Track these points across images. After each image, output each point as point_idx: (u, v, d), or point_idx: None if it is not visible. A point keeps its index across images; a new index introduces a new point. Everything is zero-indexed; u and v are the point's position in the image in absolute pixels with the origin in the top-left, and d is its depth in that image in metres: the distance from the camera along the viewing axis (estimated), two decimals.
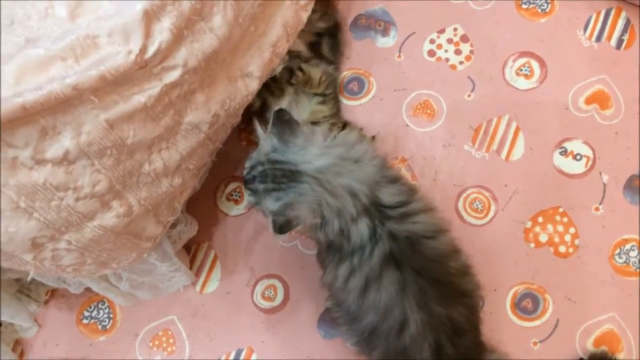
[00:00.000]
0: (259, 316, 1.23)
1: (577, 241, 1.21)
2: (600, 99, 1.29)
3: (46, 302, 1.28)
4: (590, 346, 1.15)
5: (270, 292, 1.24)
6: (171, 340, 1.24)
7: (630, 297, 1.17)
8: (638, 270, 1.19)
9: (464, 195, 1.26)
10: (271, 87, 1.21)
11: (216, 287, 1.26)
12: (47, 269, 0.89)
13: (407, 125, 1.31)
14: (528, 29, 1.35)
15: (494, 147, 1.28)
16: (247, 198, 0.97)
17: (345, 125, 1.28)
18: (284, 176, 0.89)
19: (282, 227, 0.87)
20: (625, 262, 1.19)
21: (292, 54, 1.19)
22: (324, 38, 1.31)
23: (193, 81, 0.91)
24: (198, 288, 1.26)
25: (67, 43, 0.78)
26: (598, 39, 1.33)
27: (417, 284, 0.91)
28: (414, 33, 1.38)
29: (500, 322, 1.17)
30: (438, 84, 1.33)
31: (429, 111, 1.32)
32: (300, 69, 1.22)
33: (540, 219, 1.23)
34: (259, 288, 1.25)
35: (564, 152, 1.26)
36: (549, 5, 1.36)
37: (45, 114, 0.76)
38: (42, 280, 1.08)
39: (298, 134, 0.92)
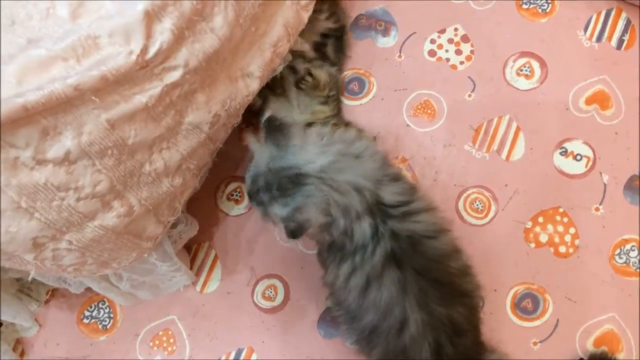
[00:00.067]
0: (260, 316, 1.23)
1: (577, 241, 1.21)
2: (600, 99, 1.29)
3: (47, 301, 1.28)
4: (590, 346, 1.15)
5: (271, 292, 1.24)
6: (171, 340, 1.24)
7: (630, 298, 1.17)
8: (638, 270, 1.19)
9: (465, 195, 1.26)
10: (273, 86, 1.21)
11: (216, 286, 1.26)
12: (48, 268, 0.89)
13: (407, 125, 1.32)
14: (528, 29, 1.35)
15: (495, 147, 1.28)
16: (254, 207, 0.96)
17: (346, 125, 1.27)
18: (289, 182, 0.88)
19: (294, 232, 0.87)
20: (625, 262, 1.19)
21: (295, 53, 1.19)
22: (330, 39, 1.30)
23: (194, 81, 0.91)
24: (198, 288, 1.26)
25: (68, 43, 0.78)
26: (598, 39, 1.33)
27: (418, 283, 0.91)
28: (414, 33, 1.38)
29: (500, 322, 1.17)
30: (439, 84, 1.33)
31: (429, 111, 1.32)
32: (310, 74, 1.21)
33: (540, 219, 1.23)
34: (260, 288, 1.25)
35: (565, 153, 1.26)
36: (550, 5, 1.36)
37: (47, 114, 0.76)
38: (42, 280, 1.08)
39: (292, 135, 0.91)
